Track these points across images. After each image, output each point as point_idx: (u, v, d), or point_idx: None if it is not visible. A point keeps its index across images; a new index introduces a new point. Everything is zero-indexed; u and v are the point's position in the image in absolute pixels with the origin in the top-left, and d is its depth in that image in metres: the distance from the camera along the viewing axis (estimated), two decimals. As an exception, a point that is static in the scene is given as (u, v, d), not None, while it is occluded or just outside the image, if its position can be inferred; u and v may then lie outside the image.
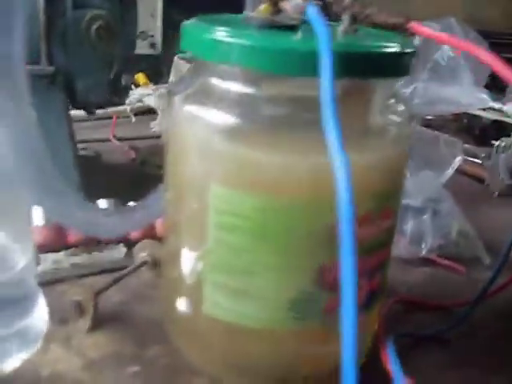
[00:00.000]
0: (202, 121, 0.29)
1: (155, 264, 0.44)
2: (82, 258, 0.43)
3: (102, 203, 0.47)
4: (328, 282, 0.29)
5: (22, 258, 0.33)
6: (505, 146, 0.66)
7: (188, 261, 0.31)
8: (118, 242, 0.47)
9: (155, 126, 0.72)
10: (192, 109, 0.29)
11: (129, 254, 0.46)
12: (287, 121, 0.28)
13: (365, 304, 0.32)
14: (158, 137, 0.71)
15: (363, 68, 0.27)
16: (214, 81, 0.29)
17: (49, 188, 0.28)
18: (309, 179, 0.27)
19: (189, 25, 0.30)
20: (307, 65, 0.24)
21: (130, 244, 0.46)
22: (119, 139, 0.73)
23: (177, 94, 0.31)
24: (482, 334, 0.41)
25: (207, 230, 0.29)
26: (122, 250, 0.46)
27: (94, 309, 0.37)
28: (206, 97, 0.29)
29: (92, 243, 0.45)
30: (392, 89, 0.31)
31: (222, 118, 0.28)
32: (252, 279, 0.29)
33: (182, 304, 0.33)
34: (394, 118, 0.30)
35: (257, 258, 0.28)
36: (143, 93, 0.72)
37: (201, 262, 0.30)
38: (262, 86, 0.28)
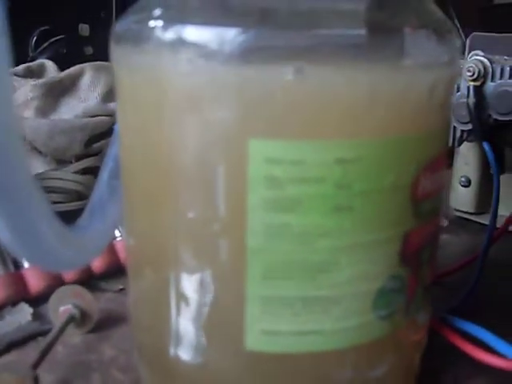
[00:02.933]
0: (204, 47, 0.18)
1: (86, 317, 0.31)
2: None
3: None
4: (409, 254, 0.21)
5: None
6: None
7: (204, 282, 0.20)
8: (14, 302, 0.32)
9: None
10: (178, 33, 0.18)
11: (36, 314, 0.32)
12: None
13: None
14: None
15: None
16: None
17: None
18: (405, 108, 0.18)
19: None
20: None
21: (33, 300, 0.32)
22: None
23: (121, 38, 0.20)
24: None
25: (246, 220, 0.18)
26: (26, 310, 0.31)
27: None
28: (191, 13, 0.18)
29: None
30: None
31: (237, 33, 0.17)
32: (329, 276, 0.19)
33: (196, 351, 0.21)
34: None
35: (338, 240, 0.18)
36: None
37: (237, 275, 0.19)
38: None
